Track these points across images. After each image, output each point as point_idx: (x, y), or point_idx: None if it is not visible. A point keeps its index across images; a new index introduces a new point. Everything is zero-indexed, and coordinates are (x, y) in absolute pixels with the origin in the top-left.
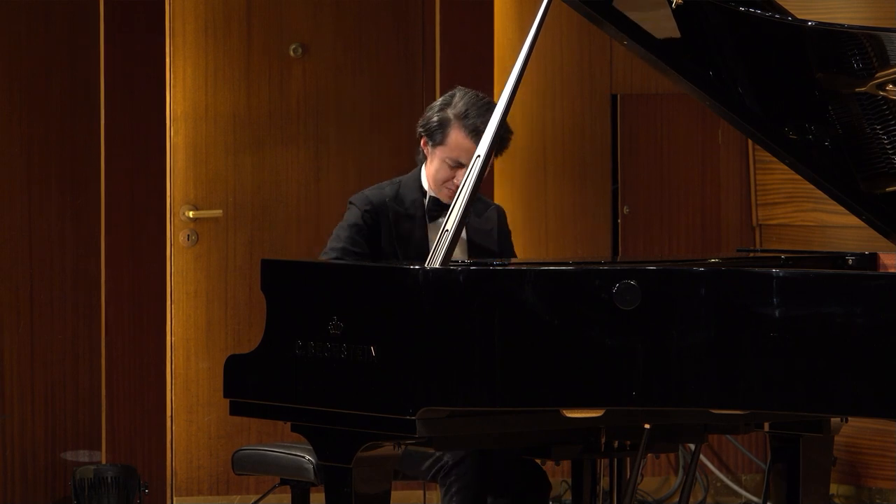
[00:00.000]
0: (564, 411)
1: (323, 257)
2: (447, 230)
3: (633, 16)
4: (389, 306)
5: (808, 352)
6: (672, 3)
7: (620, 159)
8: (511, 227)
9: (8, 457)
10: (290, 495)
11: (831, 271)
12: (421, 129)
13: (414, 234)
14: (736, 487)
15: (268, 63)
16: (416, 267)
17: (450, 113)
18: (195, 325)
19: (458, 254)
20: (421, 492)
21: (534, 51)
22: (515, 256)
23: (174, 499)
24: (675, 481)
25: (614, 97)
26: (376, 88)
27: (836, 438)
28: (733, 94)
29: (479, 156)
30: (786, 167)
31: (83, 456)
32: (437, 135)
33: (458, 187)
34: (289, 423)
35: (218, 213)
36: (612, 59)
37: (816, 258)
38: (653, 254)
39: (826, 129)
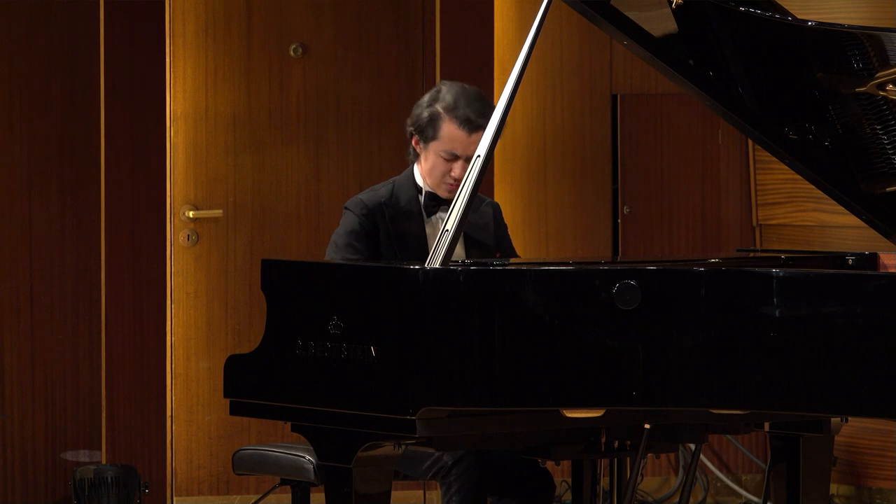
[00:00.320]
0: (564, 411)
1: None
2: (447, 230)
3: (633, 15)
4: (389, 306)
5: (809, 352)
6: (672, 2)
7: (620, 159)
8: (511, 227)
9: (8, 457)
10: (290, 495)
11: (831, 271)
12: (411, 128)
13: (412, 231)
14: (736, 487)
15: (268, 63)
16: (417, 267)
17: (439, 107)
18: (195, 324)
19: (456, 249)
20: (421, 492)
21: (534, 51)
22: (514, 249)
23: (174, 499)
24: (675, 481)
25: (614, 97)
26: (376, 88)
27: (836, 438)
28: (733, 94)
29: (479, 156)
30: (786, 167)
31: (83, 456)
32: (428, 130)
33: (456, 180)
34: (289, 423)
35: (218, 213)
36: (612, 59)
37: (816, 258)
38: (653, 254)
39: (826, 129)
